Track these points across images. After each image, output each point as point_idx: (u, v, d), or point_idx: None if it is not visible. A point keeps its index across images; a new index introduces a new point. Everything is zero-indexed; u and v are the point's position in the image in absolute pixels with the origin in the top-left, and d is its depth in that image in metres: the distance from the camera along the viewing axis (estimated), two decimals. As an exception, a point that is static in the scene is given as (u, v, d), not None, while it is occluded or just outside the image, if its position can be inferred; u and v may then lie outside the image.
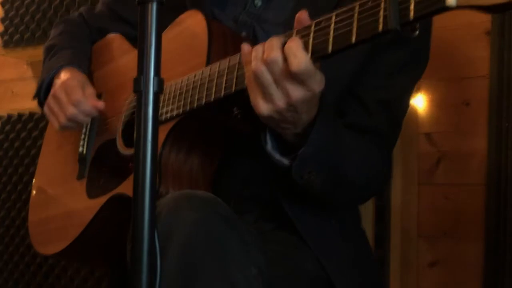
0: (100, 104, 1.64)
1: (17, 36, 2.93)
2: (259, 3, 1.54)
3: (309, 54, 1.15)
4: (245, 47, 1.23)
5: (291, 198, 1.44)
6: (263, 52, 1.18)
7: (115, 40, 1.79)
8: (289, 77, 1.16)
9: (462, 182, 2.10)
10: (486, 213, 2.04)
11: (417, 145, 2.15)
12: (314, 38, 1.16)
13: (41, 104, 1.80)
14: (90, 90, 1.67)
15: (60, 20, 1.97)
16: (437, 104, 2.14)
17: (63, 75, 1.69)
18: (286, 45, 1.16)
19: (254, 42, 1.48)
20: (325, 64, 1.19)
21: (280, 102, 1.18)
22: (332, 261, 1.44)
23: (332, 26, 1.12)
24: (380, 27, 1.04)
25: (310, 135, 1.25)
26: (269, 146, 1.31)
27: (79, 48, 1.82)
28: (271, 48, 1.17)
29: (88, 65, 1.80)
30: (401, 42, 1.43)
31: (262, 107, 1.20)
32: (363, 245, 1.60)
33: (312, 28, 1.16)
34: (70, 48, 1.79)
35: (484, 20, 2.04)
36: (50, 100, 1.68)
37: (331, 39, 1.12)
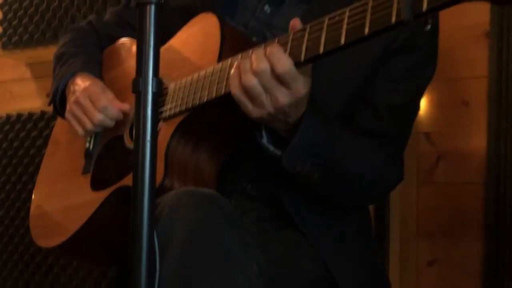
0: (126, 106, 1.64)
1: (15, 38, 2.92)
2: (269, 10, 1.55)
3: (302, 55, 1.19)
4: (237, 63, 1.27)
5: (295, 197, 1.45)
6: (251, 64, 1.23)
7: (126, 43, 1.80)
8: (276, 83, 1.21)
9: (461, 182, 2.10)
10: (485, 212, 2.04)
11: (416, 145, 2.15)
12: (311, 39, 1.18)
13: (56, 108, 1.79)
14: (110, 94, 1.67)
15: (68, 28, 1.97)
16: (437, 104, 2.14)
17: (81, 81, 1.69)
18: (267, 51, 1.21)
19: None
20: (337, 67, 1.21)
21: (270, 107, 1.24)
22: (336, 260, 1.44)
23: (346, 20, 1.14)
24: (393, 19, 1.05)
25: (299, 127, 1.29)
26: (264, 139, 1.35)
27: (90, 54, 1.82)
28: (259, 59, 1.22)
29: (100, 71, 1.80)
30: (411, 47, 1.45)
31: (253, 112, 1.26)
32: (369, 245, 1.60)
33: (308, 30, 1.19)
34: (81, 55, 1.79)
35: (483, 21, 2.05)
36: (73, 107, 1.67)
37: (344, 32, 1.13)
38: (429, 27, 1.06)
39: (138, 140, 1.06)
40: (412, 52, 1.46)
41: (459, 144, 2.10)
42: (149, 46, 1.07)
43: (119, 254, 1.46)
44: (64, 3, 2.81)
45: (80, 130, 1.68)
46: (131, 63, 1.74)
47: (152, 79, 1.06)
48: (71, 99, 1.68)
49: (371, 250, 1.59)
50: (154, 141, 1.06)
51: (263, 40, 1.51)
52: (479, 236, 2.05)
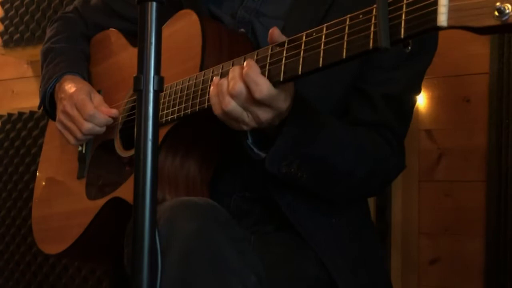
0: (114, 112, 1.63)
1: (17, 36, 2.93)
2: None
3: (281, 76, 1.17)
4: (216, 79, 1.27)
5: (291, 199, 1.44)
6: (228, 85, 1.22)
7: (112, 36, 1.78)
8: (255, 103, 1.20)
9: (462, 179, 2.10)
10: (486, 210, 2.04)
11: (417, 142, 2.15)
12: (289, 57, 1.16)
13: (46, 111, 1.79)
14: (98, 98, 1.65)
15: (54, 17, 1.93)
16: (438, 101, 2.14)
17: (67, 87, 1.67)
18: (244, 73, 1.19)
19: (253, 37, 1.48)
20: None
21: (253, 123, 1.24)
22: (335, 261, 1.43)
23: (323, 39, 1.11)
24: (371, 43, 1.03)
25: (282, 129, 1.27)
26: (249, 140, 1.33)
27: (77, 49, 1.80)
28: (234, 79, 1.21)
29: (87, 67, 1.79)
30: None
31: (237, 128, 1.26)
32: (370, 244, 1.58)
33: (286, 46, 1.18)
34: (67, 52, 1.78)
35: (484, 17, 2.04)
36: (61, 116, 1.67)
37: (321, 54, 1.11)
38: (409, 48, 1.03)
39: (140, 139, 1.05)
40: None
41: (460, 141, 2.10)
42: (150, 43, 1.06)
43: (117, 257, 1.47)
44: (66, 1, 2.81)
45: (71, 140, 1.67)
46: (122, 56, 1.73)
47: (154, 77, 1.06)
48: (59, 107, 1.68)
49: (372, 250, 1.58)
50: (156, 140, 1.06)
51: (251, 31, 1.50)
52: (481, 234, 2.05)
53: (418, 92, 1.53)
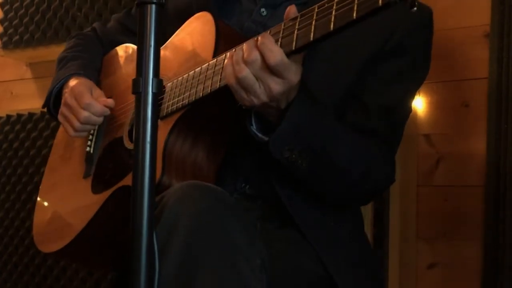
0: (110, 101, 1.68)
1: (16, 37, 2.93)
2: (265, 12, 1.57)
3: (293, 44, 1.20)
4: (231, 53, 1.30)
5: (292, 195, 1.46)
6: (243, 54, 1.26)
7: (126, 48, 1.83)
8: (268, 72, 1.24)
9: (461, 184, 2.10)
10: (485, 215, 2.04)
11: (416, 147, 2.15)
12: (302, 28, 1.19)
13: (50, 112, 1.85)
14: (98, 92, 1.71)
15: (73, 34, 2.03)
16: (437, 106, 2.14)
17: (71, 83, 1.73)
18: (259, 42, 1.24)
19: None
20: (332, 62, 1.22)
21: (264, 96, 1.27)
22: (335, 260, 1.45)
23: (335, 6, 1.15)
24: (380, 1, 1.06)
25: (287, 112, 1.31)
26: (254, 126, 1.36)
27: (88, 59, 1.86)
28: (250, 48, 1.25)
29: (97, 74, 1.84)
30: (404, 50, 1.46)
31: (247, 101, 1.29)
32: (368, 246, 1.61)
33: (298, 19, 1.22)
34: (79, 59, 1.84)
35: (483, 22, 2.04)
36: (62, 108, 1.72)
37: (333, 18, 1.15)
38: (415, 9, 1.06)
39: (138, 141, 1.06)
40: (405, 55, 1.48)
41: (459, 146, 2.10)
42: (149, 46, 1.07)
43: (119, 257, 1.46)
44: (65, 3, 2.82)
45: (70, 130, 1.71)
46: (130, 67, 1.76)
47: (153, 80, 1.06)
48: (62, 102, 1.73)
49: (368, 250, 1.61)
50: (154, 142, 1.06)
51: None
52: (479, 239, 2.05)
53: (411, 107, 1.58)
